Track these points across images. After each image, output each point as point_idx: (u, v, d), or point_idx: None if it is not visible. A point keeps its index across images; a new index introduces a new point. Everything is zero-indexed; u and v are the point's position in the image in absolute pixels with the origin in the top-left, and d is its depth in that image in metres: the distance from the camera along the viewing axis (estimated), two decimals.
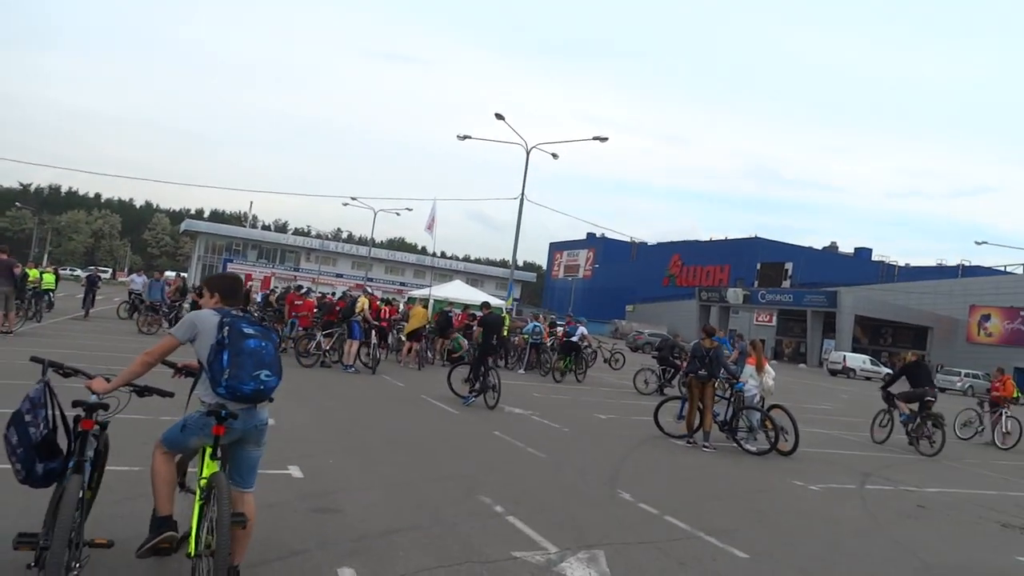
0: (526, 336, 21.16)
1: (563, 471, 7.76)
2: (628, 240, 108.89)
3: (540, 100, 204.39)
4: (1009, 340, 56.94)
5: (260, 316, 17.65)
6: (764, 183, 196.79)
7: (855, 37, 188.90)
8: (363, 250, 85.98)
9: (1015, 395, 15.58)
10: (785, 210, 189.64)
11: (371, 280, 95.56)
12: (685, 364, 18.88)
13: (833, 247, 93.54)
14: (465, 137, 31.27)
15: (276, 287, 31.64)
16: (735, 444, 10.51)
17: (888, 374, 16.34)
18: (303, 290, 18.46)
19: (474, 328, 19.18)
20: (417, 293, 26.21)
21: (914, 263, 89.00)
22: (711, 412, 10.30)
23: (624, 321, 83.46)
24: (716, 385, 10.45)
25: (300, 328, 17.59)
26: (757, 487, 8.11)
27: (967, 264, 78.38)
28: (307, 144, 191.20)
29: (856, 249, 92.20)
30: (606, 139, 29.26)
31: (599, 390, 17.98)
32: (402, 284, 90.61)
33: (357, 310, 15.93)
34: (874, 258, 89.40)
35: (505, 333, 21.36)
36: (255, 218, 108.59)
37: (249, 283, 22.90)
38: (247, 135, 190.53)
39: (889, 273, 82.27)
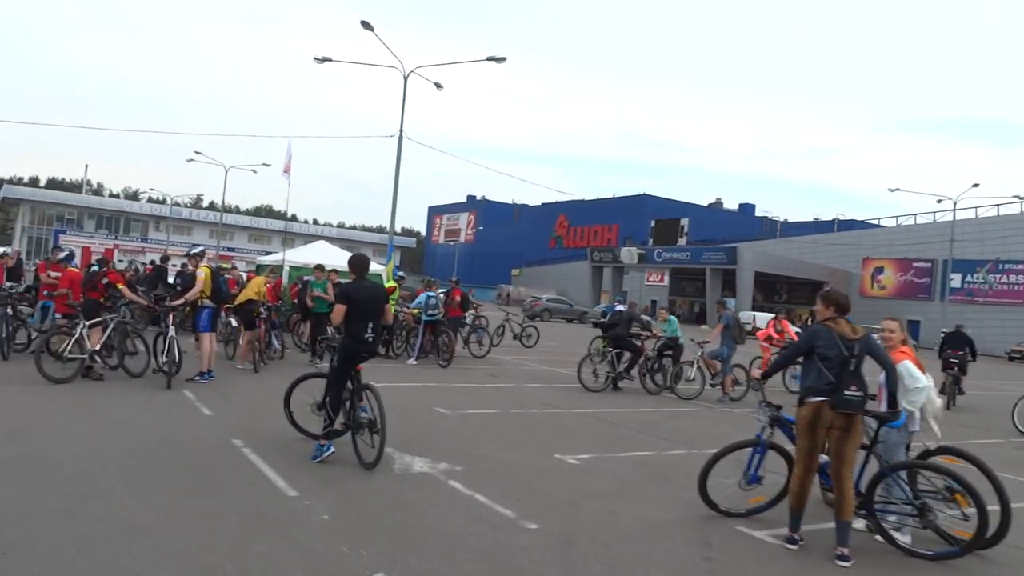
0: (416, 312, 15.26)
1: None
2: (511, 203, 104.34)
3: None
4: (901, 292, 56.31)
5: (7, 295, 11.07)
6: (633, 147, 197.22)
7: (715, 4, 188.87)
8: (224, 217, 76.36)
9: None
10: (656, 172, 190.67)
11: (233, 251, 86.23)
12: (648, 343, 13.05)
13: (718, 203, 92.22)
14: (324, 59, 24.60)
15: (135, 262, 24.25)
16: (881, 537, 5.19)
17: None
18: (64, 254, 11.70)
19: (310, 301, 13.79)
20: (266, 259, 19.67)
21: (791, 219, 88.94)
22: (851, 478, 4.84)
23: (511, 286, 78.79)
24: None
25: (57, 315, 11.07)
26: None
27: (842, 218, 78.69)
28: (146, 106, 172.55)
29: (740, 205, 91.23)
30: (503, 59, 23.39)
31: (526, 387, 12.43)
32: (268, 253, 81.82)
33: (198, 288, 10.19)
34: (757, 214, 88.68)
35: (393, 311, 15.20)
36: (100, 186, 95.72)
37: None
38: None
39: (773, 228, 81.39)
